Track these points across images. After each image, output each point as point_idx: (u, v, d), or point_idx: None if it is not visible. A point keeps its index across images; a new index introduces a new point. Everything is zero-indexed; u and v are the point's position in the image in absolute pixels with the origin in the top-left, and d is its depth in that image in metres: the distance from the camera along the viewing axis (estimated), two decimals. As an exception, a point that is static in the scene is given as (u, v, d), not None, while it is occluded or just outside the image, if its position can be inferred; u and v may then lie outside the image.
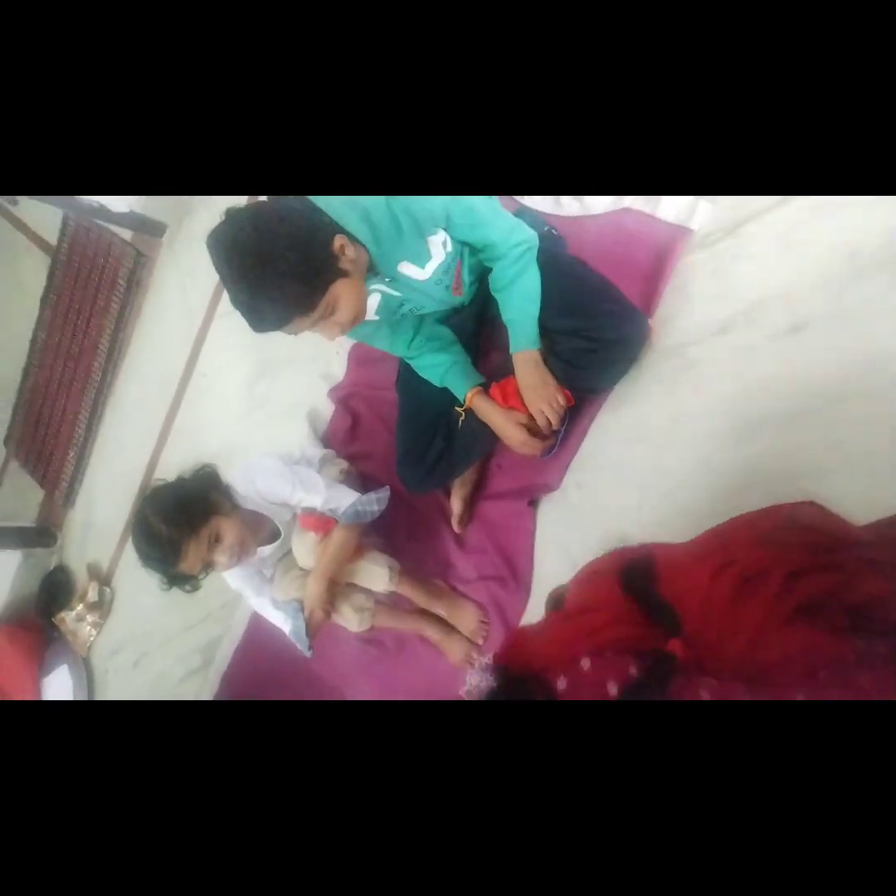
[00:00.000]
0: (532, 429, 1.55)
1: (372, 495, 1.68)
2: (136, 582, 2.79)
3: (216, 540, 1.55)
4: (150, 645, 2.65)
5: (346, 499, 1.70)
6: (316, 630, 1.70)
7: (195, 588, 1.64)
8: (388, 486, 1.71)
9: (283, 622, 1.75)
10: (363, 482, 1.99)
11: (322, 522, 1.66)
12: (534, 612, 1.68)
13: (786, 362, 1.42)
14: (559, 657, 0.84)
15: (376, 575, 1.67)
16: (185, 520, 1.52)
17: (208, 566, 1.57)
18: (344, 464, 1.99)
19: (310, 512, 1.70)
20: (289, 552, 1.76)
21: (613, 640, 0.85)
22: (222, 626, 2.38)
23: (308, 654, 1.74)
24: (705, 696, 0.72)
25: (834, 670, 0.75)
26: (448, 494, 1.82)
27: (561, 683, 0.78)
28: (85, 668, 2.86)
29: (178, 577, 1.58)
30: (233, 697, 2.23)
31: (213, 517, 1.55)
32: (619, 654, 0.80)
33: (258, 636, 2.24)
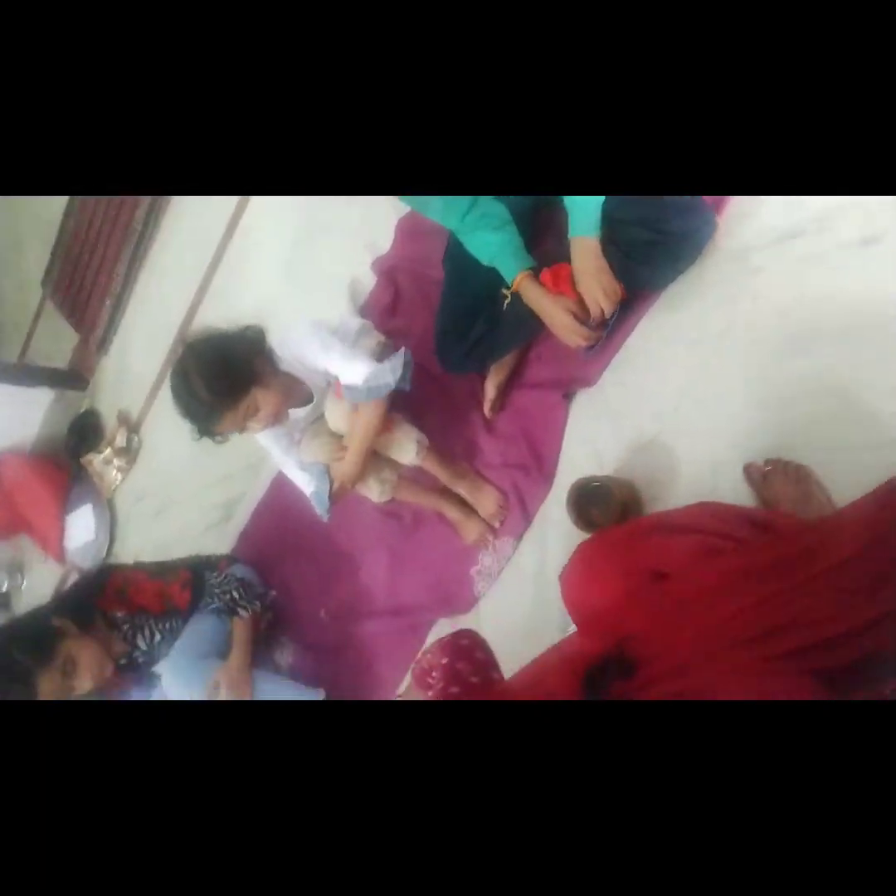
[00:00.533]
0: (580, 318, 1.51)
1: (385, 365, 1.60)
2: (164, 433, 2.84)
3: (253, 411, 1.55)
4: (173, 496, 2.73)
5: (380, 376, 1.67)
6: (338, 497, 1.73)
7: (225, 440, 1.67)
8: (404, 351, 1.62)
9: (306, 484, 1.78)
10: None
11: None
12: (553, 503, 1.69)
13: (851, 276, 1.36)
14: None
15: (404, 447, 1.68)
16: (226, 389, 1.51)
17: (242, 431, 1.59)
18: (381, 337, 1.97)
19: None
20: (320, 417, 1.77)
21: None
22: (244, 486, 2.44)
23: (325, 518, 1.78)
24: None
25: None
26: (483, 378, 1.80)
27: None
28: (108, 511, 2.96)
29: (208, 433, 1.60)
30: (248, 554, 2.30)
31: (254, 388, 1.54)
32: None
33: (278, 499, 2.30)
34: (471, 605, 1.80)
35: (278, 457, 1.81)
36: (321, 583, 2.14)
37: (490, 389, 1.76)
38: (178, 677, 1.81)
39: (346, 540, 2.09)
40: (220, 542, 2.44)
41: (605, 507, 1.53)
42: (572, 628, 1.59)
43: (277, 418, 1.62)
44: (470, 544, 1.80)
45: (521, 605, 1.71)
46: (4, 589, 3.37)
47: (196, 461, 2.56)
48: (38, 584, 3.29)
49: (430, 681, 1.09)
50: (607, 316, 1.50)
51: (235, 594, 1.95)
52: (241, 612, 1.93)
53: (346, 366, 1.58)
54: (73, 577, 3.04)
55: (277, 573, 2.24)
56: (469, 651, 1.13)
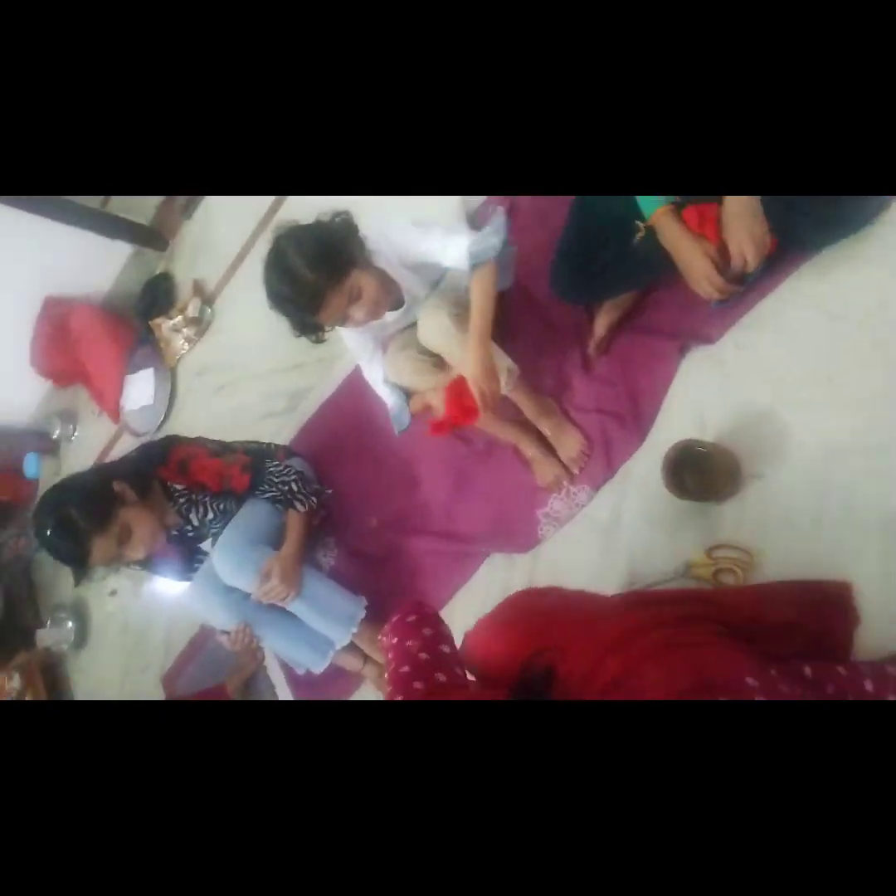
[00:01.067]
0: (719, 267, 1.38)
1: (487, 229, 1.46)
2: (239, 310, 2.78)
3: (357, 294, 1.46)
4: (238, 376, 2.68)
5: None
6: (417, 412, 1.66)
7: (319, 341, 1.59)
8: (501, 210, 1.50)
9: (386, 394, 1.72)
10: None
11: None
12: (641, 458, 1.60)
13: None
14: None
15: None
16: (330, 268, 1.42)
17: (344, 320, 1.50)
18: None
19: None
20: (410, 327, 1.68)
21: None
22: (314, 379, 2.38)
23: (398, 432, 1.72)
24: None
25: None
26: (590, 313, 1.69)
27: None
28: (170, 379, 2.94)
29: (309, 325, 1.52)
30: (307, 448, 2.26)
31: (355, 270, 1.46)
32: None
33: (348, 398, 2.23)
34: (530, 547, 1.74)
35: (363, 362, 1.74)
36: (378, 491, 2.09)
37: (599, 327, 1.65)
38: (229, 558, 1.79)
39: (411, 454, 2.03)
40: (278, 432, 2.40)
41: (701, 475, 1.44)
42: (638, 585, 1.54)
43: (378, 309, 1.53)
44: (542, 485, 1.73)
45: (585, 555, 1.65)
46: (55, 436, 3.41)
47: (267, 345, 2.50)
48: (88, 438, 3.32)
49: (388, 659, 1.09)
50: (750, 269, 1.37)
51: (294, 486, 1.91)
52: (298, 504, 1.90)
53: (448, 241, 1.47)
54: (126, 439, 3.06)
55: (334, 473, 2.20)
56: (416, 628, 1.11)
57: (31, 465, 3.43)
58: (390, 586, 1.98)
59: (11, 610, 3.26)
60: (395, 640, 1.10)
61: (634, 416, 1.61)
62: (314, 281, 1.41)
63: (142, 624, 2.80)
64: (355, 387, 2.18)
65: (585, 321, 1.70)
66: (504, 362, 1.59)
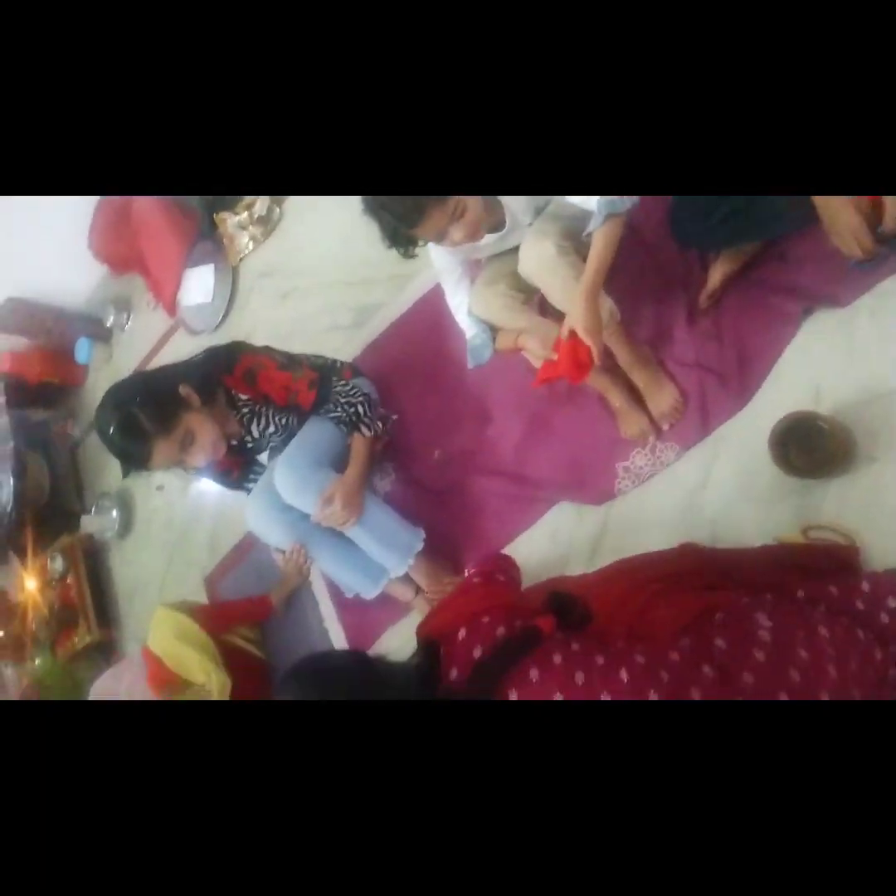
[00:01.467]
0: (870, 222, 1.24)
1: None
2: (311, 215, 2.64)
3: (462, 212, 1.34)
4: (304, 282, 2.57)
5: None
6: (503, 350, 1.56)
7: (409, 256, 1.47)
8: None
9: (467, 325, 1.61)
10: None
11: None
12: (740, 422, 1.50)
13: None
14: (448, 626, 1.00)
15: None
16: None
17: (441, 237, 1.38)
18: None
19: None
20: (502, 256, 1.56)
21: (495, 611, 1.00)
22: (385, 296, 2.27)
23: (472, 366, 1.62)
24: (558, 660, 0.90)
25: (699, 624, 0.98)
26: (705, 261, 1.55)
27: (443, 652, 0.96)
28: (231, 278, 2.83)
29: (402, 237, 1.40)
30: (373, 368, 2.16)
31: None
32: (492, 623, 0.97)
33: (422, 320, 2.12)
34: (605, 499, 1.67)
35: (448, 285, 1.62)
36: (444, 422, 2.02)
37: (714, 277, 1.51)
38: (292, 478, 1.75)
39: (483, 388, 1.94)
40: (342, 347, 2.31)
41: (812, 452, 1.34)
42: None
43: (478, 229, 1.39)
44: (625, 437, 1.63)
45: (663, 516, 1.58)
46: (109, 323, 3.35)
47: (337, 254, 2.38)
48: (142, 329, 3.26)
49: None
50: None
51: (360, 408, 1.84)
52: (364, 429, 1.83)
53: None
54: (180, 337, 2.99)
55: (399, 397, 2.12)
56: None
57: (83, 350, 3.40)
58: (448, 522, 1.93)
59: (57, 492, 3.29)
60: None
61: (739, 377, 1.50)
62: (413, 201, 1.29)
63: (187, 522, 2.81)
64: (429, 309, 2.07)
65: (698, 268, 1.56)
66: (606, 303, 1.47)
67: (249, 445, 1.92)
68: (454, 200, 1.32)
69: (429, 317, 2.06)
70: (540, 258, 1.43)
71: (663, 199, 1.56)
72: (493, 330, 1.57)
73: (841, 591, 1.10)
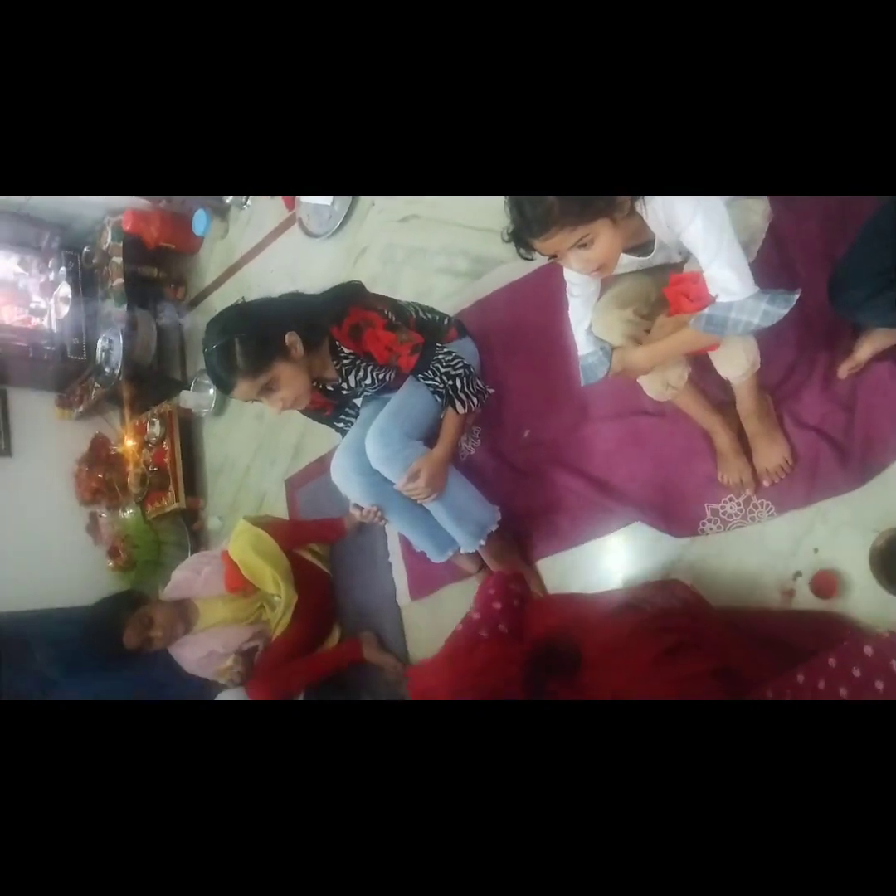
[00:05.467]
0: None
1: (763, 296, 1.20)
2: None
3: (591, 241, 1.24)
4: (424, 211, 2.45)
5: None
6: (616, 374, 1.49)
7: (525, 258, 1.38)
8: (797, 295, 1.22)
9: (582, 343, 1.53)
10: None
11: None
12: (847, 504, 1.42)
13: None
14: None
15: (735, 361, 1.38)
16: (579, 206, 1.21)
17: (561, 258, 1.29)
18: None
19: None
20: (640, 274, 1.45)
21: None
22: (507, 254, 2.13)
23: (584, 383, 1.56)
24: None
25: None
26: (856, 330, 1.42)
27: None
28: (354, 185, 2.73)
29: (523, 243, 1.31)
30: (478, 326, 2.09)
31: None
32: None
33: (540, 290, 2.01)
34: (685, 534, 1.64)
35: (573, 295, 1.52)
36: (541, 404, 1.98)
37: (864, 350, 1.38)
38: (381, 447, 1.77)
39: (576, 387, 1.86)
40: (453, 295, 2.25)
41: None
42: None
43: (609, 264, 1.31)
44: (722, 481, 1.58)
45: (739, 571, 1.55)
46: (228, 200, 3.32)
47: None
48: (259, 214, 3.21)
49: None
50: None
51: (458, 382, 1.82)
52: (459, 405, 1.82)
53: (716, 257, 1.20)
54: (294, 233, 2.94)
55: (499, 365, 2.07)
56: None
57: (201, 222, 3.41)
58: (524, 505, 1.94)
59: (162, 357, 3.43)
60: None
61: (860, 458, 1.41)
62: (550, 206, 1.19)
63: (279, 421, 2.89)
64: (551, 282, 1.96)
65: (848, 334, 1.43)
66: (753, 354, 1.38)
67: (344, 392, 1.94)
68: (584, 229, 1.22)
69: (549, 289, 1.95)
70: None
71: (824, 251, 1.41)
72: (612, 349, 1.50)
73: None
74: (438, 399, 1.84)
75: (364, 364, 1.85)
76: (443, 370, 1.82)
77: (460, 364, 1.85)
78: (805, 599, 1.44)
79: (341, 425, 2.08)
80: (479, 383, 1.93)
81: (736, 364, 1.38)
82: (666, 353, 1.39)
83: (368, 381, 1.88)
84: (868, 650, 1.13)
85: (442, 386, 1.82)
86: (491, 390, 1.98)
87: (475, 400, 1.86)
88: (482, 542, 1.85)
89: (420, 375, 1.85)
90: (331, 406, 2.03)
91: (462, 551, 1.89)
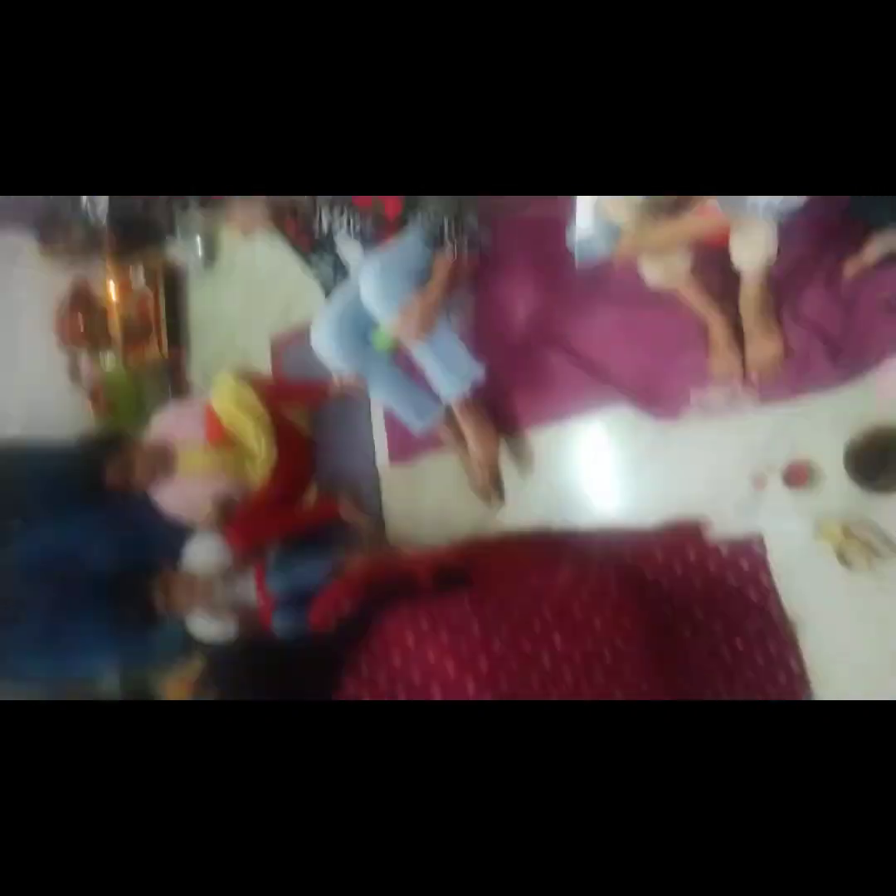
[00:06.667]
0: None
1: None
2: None
3: None
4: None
5: None
6: (623, 255, 1.46)
7: None
8: None
9: (586, 223, 1.48)
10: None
11: None
12: (829, 405, 1.43)
13: None
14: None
15: (753, 243, 1.36)
16: None
17: None
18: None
19: None
20: None
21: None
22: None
23: (579, 260, 1.52)
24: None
25: None
26: (867, 231, 1.38)
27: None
28: None
29: None
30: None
31: None
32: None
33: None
34: (665, 418, 1.65)
35: None
36: (539, 277, 1.93)
37: (872, 252, 1.35)
38: (379, 284, 1.72)
39: (589, 268, 1.81)
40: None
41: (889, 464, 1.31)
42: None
43: None
44: (712, 371, 1.58)
45: (714, 457, 1.58)
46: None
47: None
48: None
49: None
50: None
51: (446, 225, 1.74)
52: (447, 248, 1.75)
53: None
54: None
55: (500, 226, 1.96)
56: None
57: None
58: (510, 380, 1.93)
59: (150, 202, 3.27)
60: None
61: (852, 355, 1.41)
62: None
63: (269, 276, 2.81)
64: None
65: (859, 234, 1.39)
66: (771, 238, 1.36)
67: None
68: None
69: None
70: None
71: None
72: (619, 233, 1.46)
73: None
74: (427, 245, 1.78)
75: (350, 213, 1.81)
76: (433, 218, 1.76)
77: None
78: (775, 489, 1.48)
79: (315, 259, 2.01)
80: (474, 226, 1.83)
81: (754, 251, 1.36)
82: (676, 235, 1.35)
83: (357, 228, 1.82)
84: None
85: (432, 229, 1.76)
86: (483, 239, 1.88)
87: (466, 242, 1.78)
88: (466, 389, 1.82)
89: (410, 226, 1.79)
90: (309, 243, 1.95)
91: (447, 400, 1.87)
